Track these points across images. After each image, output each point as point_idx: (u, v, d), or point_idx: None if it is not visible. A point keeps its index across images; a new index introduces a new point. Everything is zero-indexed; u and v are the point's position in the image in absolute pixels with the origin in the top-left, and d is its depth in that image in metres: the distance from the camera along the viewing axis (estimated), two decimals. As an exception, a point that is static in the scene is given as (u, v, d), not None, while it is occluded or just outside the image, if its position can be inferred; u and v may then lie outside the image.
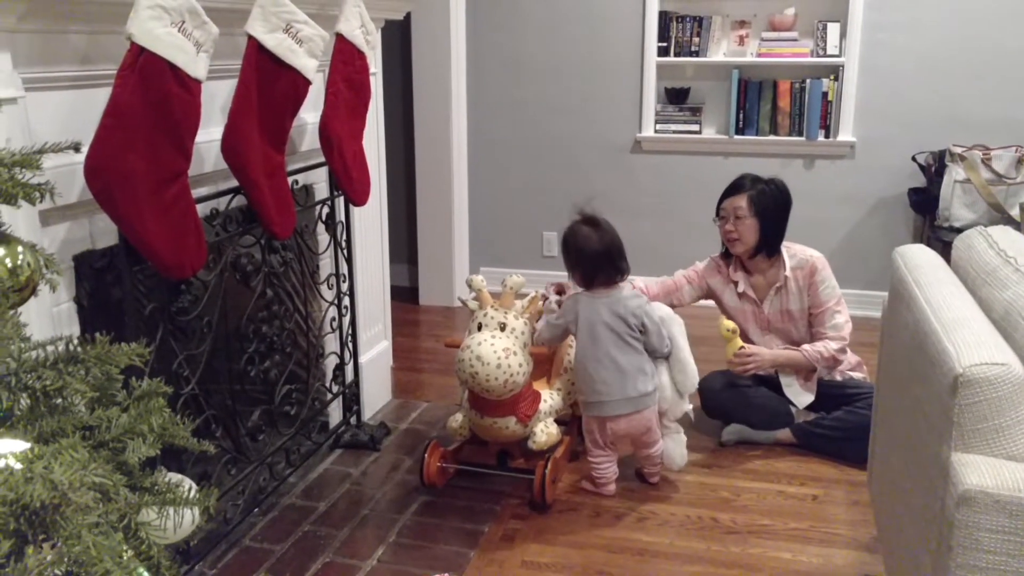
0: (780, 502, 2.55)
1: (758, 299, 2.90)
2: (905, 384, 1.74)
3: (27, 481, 0.72)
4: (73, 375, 0.87)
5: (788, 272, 2.84)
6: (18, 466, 0.78)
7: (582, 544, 2.35)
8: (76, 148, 1.10)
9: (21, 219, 1.49)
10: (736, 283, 2.92)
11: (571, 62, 4.32)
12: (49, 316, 1.68)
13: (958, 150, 3.75)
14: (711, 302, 3.04)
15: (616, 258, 2.52)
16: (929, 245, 3.00)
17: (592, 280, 2.51)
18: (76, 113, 1.74)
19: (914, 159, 3.98)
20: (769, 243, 2.84)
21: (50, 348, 0.91)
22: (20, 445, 0.81)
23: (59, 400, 0.86)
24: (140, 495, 0.94)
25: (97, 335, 0.96)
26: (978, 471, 1.32)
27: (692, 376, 2.57)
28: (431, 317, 4.30)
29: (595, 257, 2.49)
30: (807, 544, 2.35)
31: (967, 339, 1.42)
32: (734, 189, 2.85)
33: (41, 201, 0.96)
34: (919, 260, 1.91)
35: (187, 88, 1.79)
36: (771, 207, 2.81)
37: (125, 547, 0.86)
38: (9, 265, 0.92)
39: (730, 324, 2.77)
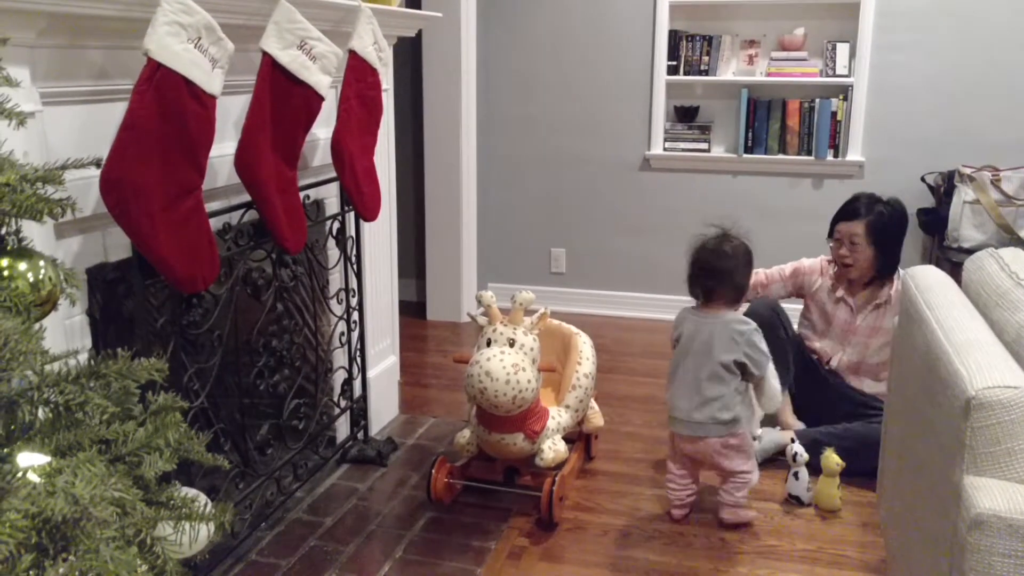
0: (788, 522, 2.54)
1: (855, 307, 2.86)
2: (916, 405, 1.73)
3: (49, 495, 0.73)
4: (95, 390, 0.87)
5: (894, 291, 2.80)
6: (37, 479, 0.78)
7: (589, 563, 2.34)
8: (97, 164, 1.11)
9: (37, 232, 1.50)
10: (836, 288, 2.89)
11: (581, 80, 4.34)
12: (62, 329, 1.69)
13: (967, 171, 3.76)
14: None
15: (739, 281, 2.44)
16: (938, 266, 3.01)
17: (707, 297, 2.45)
18: (92, 127, 1.75)
19: (923, 179, 3.98)
20: (884, 271, 2.80)
21: (71, 362, 0.91)
22: (40, 459, 0.82)
23: (80, 415, 0.87)
24: (156, 510, 0.94)
25: (119, 350, 0.96)
26: (990, 495, 1.32)
27: (775, 396, 2.47)
28: (438, 332, 4.31)
29: (715, 274, 2.43)
30: (815, 565, 2.33)
31: (979, 362, 1.42)
32: (851, 214, 2.79)
33: (63, 216, 0.97)
34: (930, 281, 1.91)
35: (202, 103, 1.80)
36: (889, 234, 2.77)
37: (140, 562, 0.86)
38: (31, 280, 0.93)
39: (838, 460, 2.58)
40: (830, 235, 2.85)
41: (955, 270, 2.94)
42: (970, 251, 3.50)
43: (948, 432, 1.44)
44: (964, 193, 3.74)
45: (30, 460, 0.81)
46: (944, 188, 3.84)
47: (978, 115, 3.93)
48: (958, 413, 1.39)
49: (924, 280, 1.92)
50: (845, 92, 4.04)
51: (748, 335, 2.40)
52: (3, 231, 0.98)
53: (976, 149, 3.91)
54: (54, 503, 0.72)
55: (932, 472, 1.55)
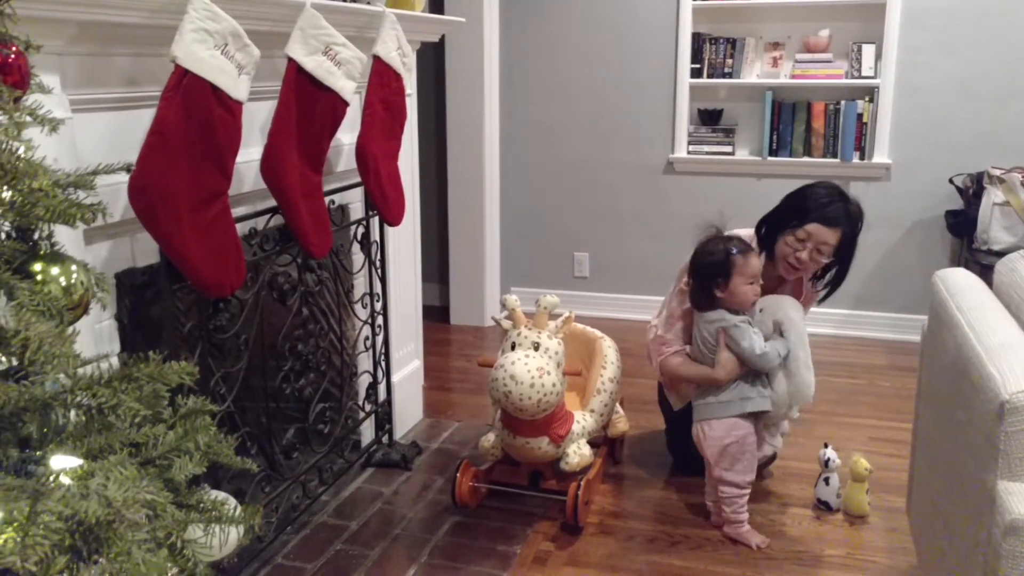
0: (816, 528, 2.52)
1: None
2: (947, 409, 1.71)
3: (82, 497, 0.73)
4: (127, 393, 0.88)
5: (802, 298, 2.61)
6: (69, 482, 0.79)
7: (615, 567, 2.33)
8: (128, 169, 1.12)
9: (67, 238, 1.51)
10: None
11: (604, 83, 4.33)
12: (91, 333, 1.71)
13: (997, 172, 3.71)
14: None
15: (703, 281, 2.44)
16: (967, 268, 2.97)
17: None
18: (120, 134, 1.77)
19: (951, 181, 3.94)
20: (838, 283, 2.59)
21: (103, 365, 0.92)
22: (74, 461, 0.82)
23: (112, 418, 0.88)
24: (186, 512, 0.95)
25: (151, 354, 0.97)
26: (1026, 500, 1.30)
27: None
28: (462, 336, 4.31)
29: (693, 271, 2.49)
30: (844, 571, 2.31)
31: (1013, 365, 1.40)
32: (832, 219, 2.44)
33: (94, 221, 0.98)
34: (960, 284, 1.88)
35: (229, 109, 1.81)
36: (851, 246, 2.51)
37: (170, 564, 0.86)
38: (63, 284, 0.94)
39: (867, 464, 2.55)
40: (788, 227, 2.49)
41: (984, 272, 2.89)
42: (1000, 253, 3.45)
43: (981, 437, 1.42)
44: (993, 195, 3.69)
45: (63, 463, 0.82)
46: (973, 190, 3.80)
47: (1007, 115, 3.88)
48: (991, 417, 1.37)
49: (955, 283, 1.89)
50: (871, 94, 4.01)
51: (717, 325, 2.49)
52: (36, 236, 0.99)
53: (1005, 150, 3.86)
54: (87, 505, 0.73)
55: (964, 477, 1.53)
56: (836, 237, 2.45)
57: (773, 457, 2.80)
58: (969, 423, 1.50)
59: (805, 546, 2.42)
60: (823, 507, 2.60)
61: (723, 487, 2.44)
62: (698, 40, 4.17)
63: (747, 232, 2.64)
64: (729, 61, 4.15)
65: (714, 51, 4.16)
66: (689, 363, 2.56)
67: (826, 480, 2.59)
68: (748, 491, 2.45)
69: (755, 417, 2.47)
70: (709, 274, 2.43)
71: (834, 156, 4.08)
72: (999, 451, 1.34)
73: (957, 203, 3.93)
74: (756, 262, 2.43)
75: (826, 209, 2.45)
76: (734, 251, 2.41)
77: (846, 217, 2.47)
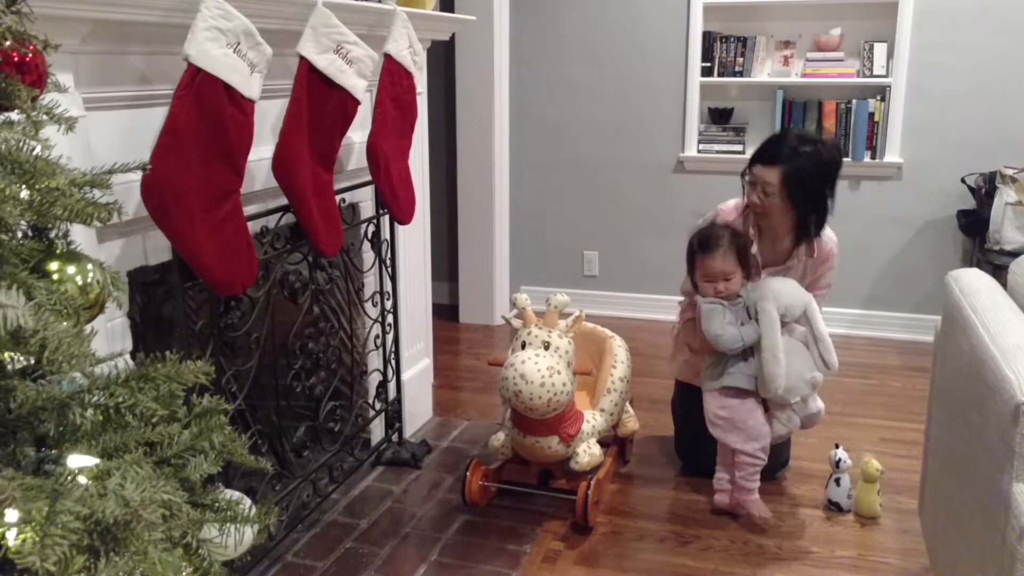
0: (827, 528, 2.51)
1: (758, 265, 2.58)
2: (960, 411, 1.70)
3: (100, 497, 0.73)
4: (144, 393, 0.88)
5: (814, 256, 2.58)
6: (86, 482, 0.79)
7: (624, 567, 2.33)
8: (143, 168, 1.12)
9: (80, 236, 1.52)
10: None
11: (614, 82, 4.33)
12: (104, 332, 1.71)
13: (1009, 171, 3.69)
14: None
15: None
16: (979, 268, 2.95)
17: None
18: (133, 132, 1.77)
19: (963, 181, 3.92)
20: (805, 227, 2.51)
21: (120, 364, 0.92)
22: (90, 461, 0.82)
23: (129, 417, 0.88)
24: (201, 512, 0.95)
25: (167, 353, 0.97)
26: (1042, 503, 1.29)
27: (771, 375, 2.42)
28: (471, 335, 4.31)
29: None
30: (855, 573, 2.30)
31: (1029, 367, 1.39)
32: (769, 157, 2.44)
33: (110, 220, 0.98)
34: (974, 285, 1.87)
35: (241, 108, 1.81)
36: (808, 187, 2.44)
37: (185, 563, 0.86)
38: (80, 283, 0.95)
39: (879, 465, 2.54)
40: (747, 172, 2.53)
41: (997, 272, 2.87)
42: (1012, 254, 3.43)
43: (996, 439, 1.41)
44: (1006, 195, 3.67)
45: (80, 462, 0.83)
46: (985, 190, 3.78)
47: (1020, 115, 3.85)
48: (1006, 420, 1.36)
49: (969, 283, 1.88)
50: (883, 93, 3.99)
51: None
52: (52, 235, 0.99)
53: (1018, 149, 3.84)
54: (105, 505, 0.73)
55: (978, 480, 1.52)
56: (776, 176, 2.43)
57: (786, 462, 2.80)
58: (984, 425, 1.50)
59: (816, 547, 2.42)
60: (834, 508, 2.59)
61: (738, 455, 2.50)
62: (709, 39, 4.16)
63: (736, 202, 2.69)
64: (740, 60, 4.13)
65: (725, 50, 4.15)
66: (690, 329, 2.73)
67: (837, 481, 2.58)
68: (760, 462, 2.49)
69: (755, 395, 2.50)
70: (687, 263, 2.60)
71: (845, 155, 4.05)
72: (1015, 454, 1.33)
73: (969, 203, 3.91)
74: (717, 264, 2.48)
75: (765, 148, 2.48)
76: (696, 248, 2.53)
77: (790, 155, 2.42)
